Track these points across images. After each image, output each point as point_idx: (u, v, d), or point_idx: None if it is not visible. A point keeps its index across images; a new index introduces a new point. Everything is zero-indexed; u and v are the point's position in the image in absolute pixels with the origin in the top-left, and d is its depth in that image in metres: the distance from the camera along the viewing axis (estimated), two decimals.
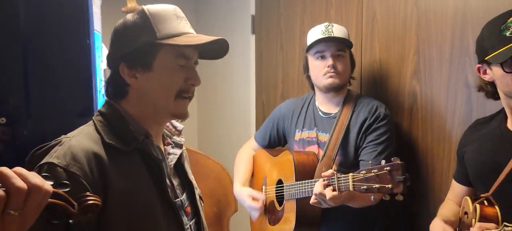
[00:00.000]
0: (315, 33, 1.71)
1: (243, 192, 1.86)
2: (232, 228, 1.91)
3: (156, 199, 0.98)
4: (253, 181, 2.01)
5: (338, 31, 1.69)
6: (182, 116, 1.04)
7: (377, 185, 1.26)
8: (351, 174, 1.37)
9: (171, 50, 0.98)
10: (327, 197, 1.42)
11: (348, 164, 1.70)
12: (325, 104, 1.80)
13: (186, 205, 1.07)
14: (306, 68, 1.80)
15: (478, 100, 1.58)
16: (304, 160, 1.73)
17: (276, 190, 1.81)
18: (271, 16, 2.60)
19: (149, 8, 0.99)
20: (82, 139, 0.93)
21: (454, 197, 1.49)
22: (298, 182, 1.67)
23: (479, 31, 1.54)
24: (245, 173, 1.97)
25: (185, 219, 1.05)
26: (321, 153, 1.71)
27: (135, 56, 0.97)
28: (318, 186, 1.46)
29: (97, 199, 0.73)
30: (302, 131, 1.84)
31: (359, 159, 1.68)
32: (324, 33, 1.68)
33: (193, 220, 1.09)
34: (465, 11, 1.60)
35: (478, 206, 1.23)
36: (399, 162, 1.24)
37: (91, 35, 1.25)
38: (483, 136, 1.37)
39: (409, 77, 1.81)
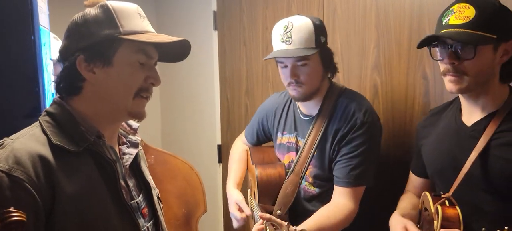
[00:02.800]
0: (275, 38, 1.50)
1: (233, 196, 1.70)
2: (201, 229, 1.87)
3: (109, 202, 0.94)
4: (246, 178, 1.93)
5: (297, 35, 1.44)
6: (139, 116, 1.01)
7: None
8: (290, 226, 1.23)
9: (132, 46, 0.95)
10: None
11: (325, 177, 1.55)
12: (304, 105, 1.62)
13: (142, 206, 1.04)
14: None
15: (435, 91, 1.62)
16: (270, 176, 1.59)
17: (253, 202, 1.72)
18: (233, 12, 2.57)
19: (113, 3, 0.96)
20: (27, 141, 0.88)
21: (413, 189, 1.47)
22: (258, 205, 1.56)
23: (435, 24, 1.58)
24: (238, 171, 1.81)
25: (141, 221, 1.01)
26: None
27: (95, 50, 0.94)
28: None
29: (22, 214, 0.69)
30: (283, 135, 1.69)
31: (333, 173, 1.52)
32: (282, 39, 1.47)
33: (151, 222, 1.06)
34: (422, 4, 1.63)
35: (439, 207, 1.18)
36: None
37: (37, 31, 1.18)
38: (439, 129, 1.33)
39: (370, 70, 1.83)
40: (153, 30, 1.01)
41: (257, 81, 2.47)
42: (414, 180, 1.47)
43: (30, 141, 0.88)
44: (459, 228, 1.14)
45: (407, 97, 1.72)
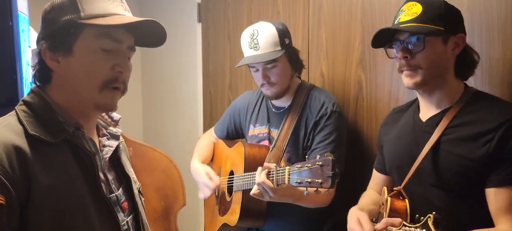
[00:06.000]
0: (244, 45, 1.66)
1: (200, 168, 1.82)
2: (180, 222, 1.85)
3: (88, 195, 0.90)
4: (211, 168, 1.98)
5: (263, 40, 1.59)
6: (108, 108, 0.95)
7: (309, 179, 1.27)
8: (288, 167, 1.36)
9: (93, 32, 0.89)
10: (269, 186, 1.40)
11: (298, 161, 1.64)
12: (277, 101, 1.74)
13: (122, 200, 1.00)
14: None
15: None
16: (255, 152, 1.71)
17: (227, 181, 1.79)
18: (218, 5, 2.54)
19: None
20: (1, 131, 0.84)
21: (375, 186, 1.51)
22: (246, 174, 1.64)
23: None
24: (205, 154, 1.94)
25: (121, 215, 0.98)
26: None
27: (56, 38, 0.89)
28: (261, 175, 1.42)
29: (1, 198, 0.68)
30: (255, 127, 1.81)
31: None
32: (250, 46, 1.63)
33: (131, 216, 1.03)
34: None
35: (389, 199, 1.24)
36: (330, 158, 1.24)
37: (14, 17, 1.13)
38: (399, 126, 1.38)
39: (355, 66, 1.83)
40: (124, 13, 0.92)
41: (241, 76, 2.45)
42: (376, 177, 1.51)
43: (5, 131, 0.84)
44: (405, 220, 1.17)
45: (391, 94, 1.72)
